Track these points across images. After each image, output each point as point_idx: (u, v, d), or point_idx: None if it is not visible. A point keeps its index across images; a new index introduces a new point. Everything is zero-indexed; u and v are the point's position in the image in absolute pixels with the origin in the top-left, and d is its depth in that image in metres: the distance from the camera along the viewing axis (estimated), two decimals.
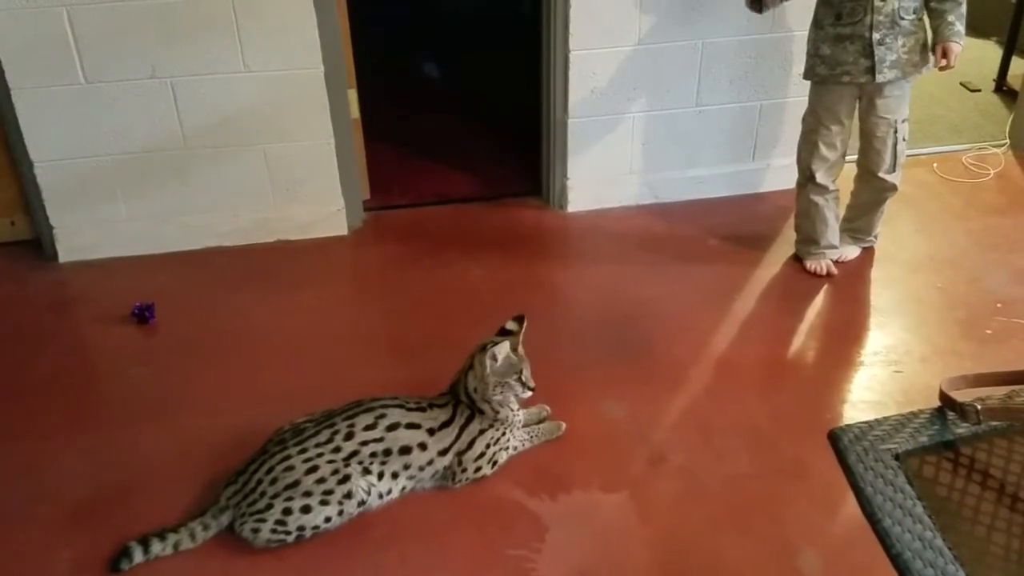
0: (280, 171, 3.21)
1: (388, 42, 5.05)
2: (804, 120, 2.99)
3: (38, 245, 3.24)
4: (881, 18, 2.66)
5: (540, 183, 3.61)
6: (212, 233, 3.27)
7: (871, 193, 3.06)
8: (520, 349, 2.21)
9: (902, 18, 2.67)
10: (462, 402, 2.21)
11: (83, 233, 3.19)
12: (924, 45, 2.75)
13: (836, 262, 3.12)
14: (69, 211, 3.15)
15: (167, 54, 2.94)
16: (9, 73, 2.89)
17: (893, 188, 3.00)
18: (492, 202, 3.61)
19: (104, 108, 2.99)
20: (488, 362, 2.14)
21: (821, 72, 2.82)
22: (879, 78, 2.72)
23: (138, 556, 2.01)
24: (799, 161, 3.04)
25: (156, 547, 2.02)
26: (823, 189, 3.00)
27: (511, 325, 2.25)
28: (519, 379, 2.18)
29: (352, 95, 3.24)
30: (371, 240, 3.39)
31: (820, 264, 3.09)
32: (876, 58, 2.70)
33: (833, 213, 3.05)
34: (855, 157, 3.03)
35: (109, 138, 3.04)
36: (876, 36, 2.68)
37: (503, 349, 2.14)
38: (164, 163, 3.12)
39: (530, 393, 2.22)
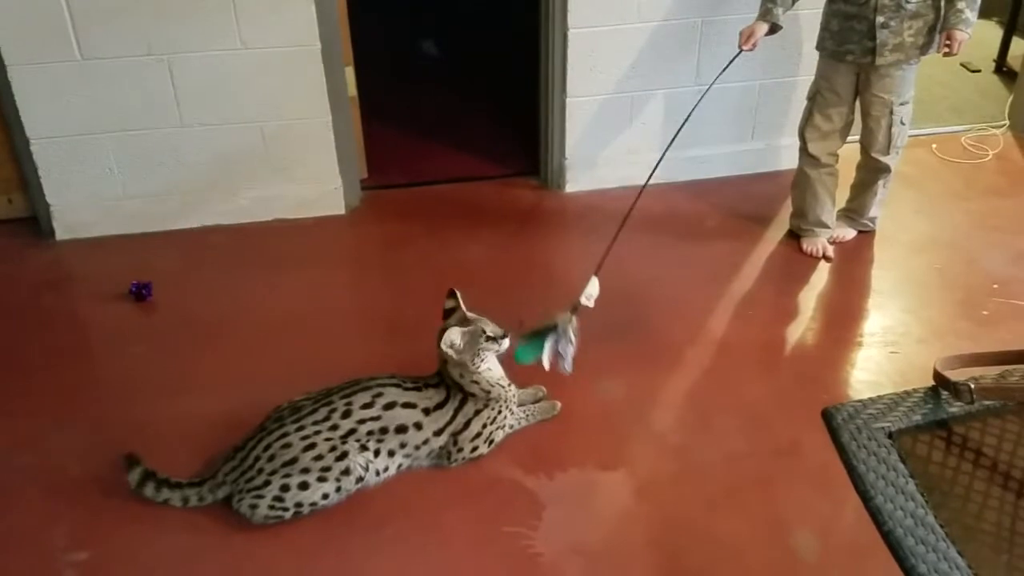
0: (277, 149, 3.20)
1: (386, 20, 5.01)
2: (809, 87, 3.00)
3: (35, 223, 3.23)
4: (886, 1, 2.64)
5: (538, 163, 3.59)
6: (209, 211, 3.26)
7: (865, 172, 3.06)
8: (469, 314, 2.18)
9: (908, 0, 2.65)
10: (453, 385, 2.21)
11: (80, 211, 3.18)
12: (933, 27, 2.72)
13: (833, 243, 3.12)
14: (66, 189, 3.14)
15: (163, 31, 2.92)
16: (5, 49, 2.87)
17: (887, 170, 2.99)
18: (490, 181, 3.60)
19: (100, 85, 2.97)
20: (448, 351, 2.12)
21: (829, 46, 2.83)
22: (879, 61, 2.71)
23: (149, 491, 2.11)
24: (798, 127, 3.05)
25: (165, 492, 2.11)
26: (815, 161, 3.00)
27: (449, 303, 2.22)
28: (487, 338, 2.14)
29: (349, 72, 3.23)
30: (368, 219, 3.38)
31: (816, 246, 3.09)
32: (878, 41, 2.68)
33: (825, 190, 3.04)
34: (859, 137, 3.03)
35: (106, 115, 3.03)
36: (880, 19, 2.66)
37: (454, 334, 2.10)
38: (161, 140, 3.11)
39: (506, 341, 2.17)
